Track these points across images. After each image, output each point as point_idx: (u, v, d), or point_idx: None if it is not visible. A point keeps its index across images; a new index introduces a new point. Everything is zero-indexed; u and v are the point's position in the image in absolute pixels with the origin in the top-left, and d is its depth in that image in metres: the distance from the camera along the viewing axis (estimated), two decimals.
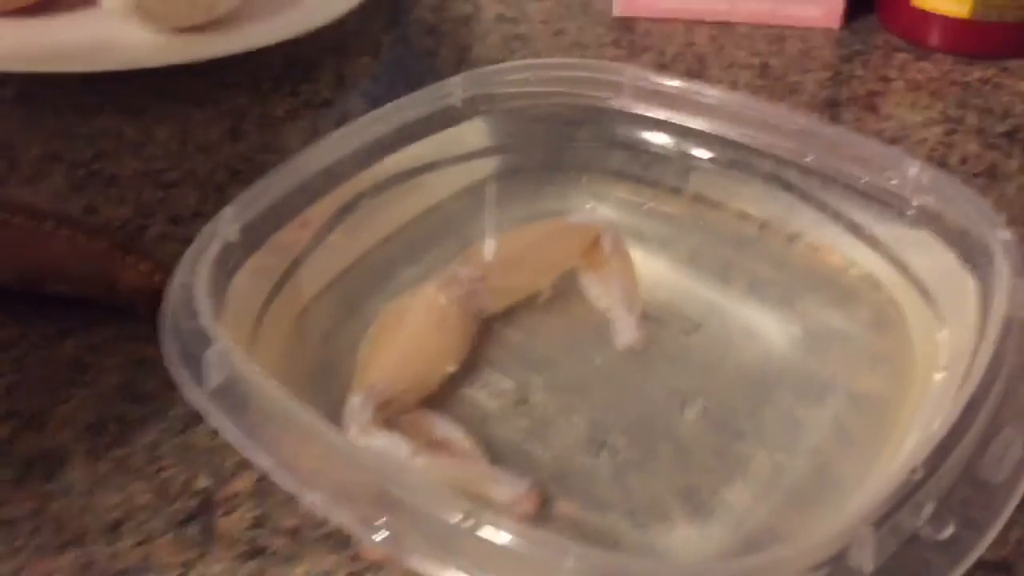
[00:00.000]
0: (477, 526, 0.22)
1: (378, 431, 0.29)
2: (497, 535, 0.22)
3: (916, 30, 0.55)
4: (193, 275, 0.28)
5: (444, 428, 0.30)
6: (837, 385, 0.31)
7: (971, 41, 0.54)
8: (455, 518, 0.22)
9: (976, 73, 0.53)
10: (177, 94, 0.51)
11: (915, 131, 0.48)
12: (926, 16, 0.54)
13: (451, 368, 0.32)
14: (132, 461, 0.32)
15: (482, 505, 0.27)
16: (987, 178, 0.44)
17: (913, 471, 0.23)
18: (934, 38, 0.55)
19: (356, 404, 0.29)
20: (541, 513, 0.28)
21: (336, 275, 0.34)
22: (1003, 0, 0.52)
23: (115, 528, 0.30)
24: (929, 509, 0.23)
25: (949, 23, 0.54)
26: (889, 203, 0.33)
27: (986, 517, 0.23)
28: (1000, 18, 0.53)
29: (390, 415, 0.30)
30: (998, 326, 0.27)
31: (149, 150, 0.47)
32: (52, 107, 0.51)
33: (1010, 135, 0.47)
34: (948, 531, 0.23)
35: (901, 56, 0.55)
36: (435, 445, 0.29)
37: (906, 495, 0.23)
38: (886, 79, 0.53)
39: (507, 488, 0.28)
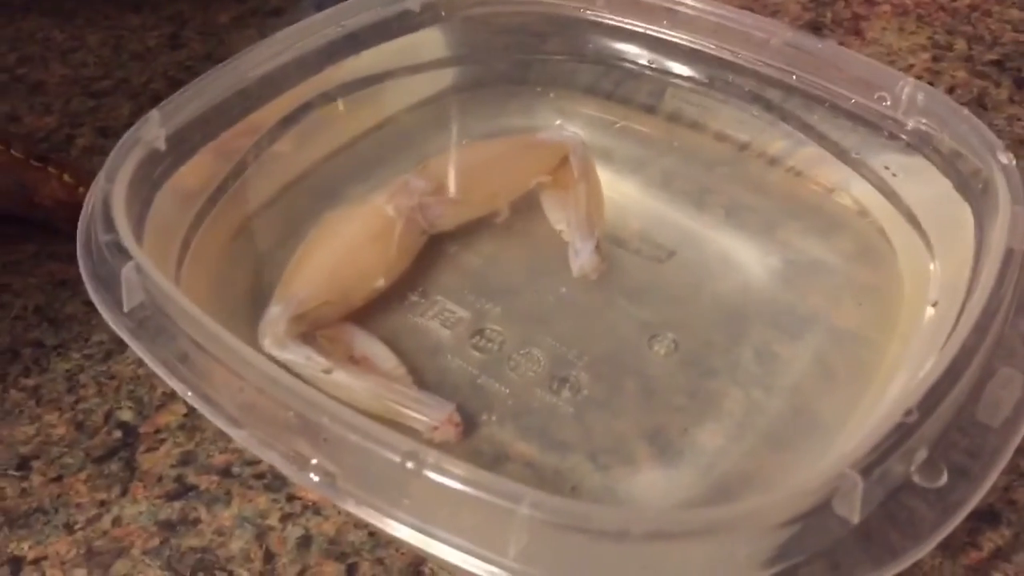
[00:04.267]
0: (422, 468, 0.19)
1: (293, 343, 0.26)
2: (444, 478, 0.19)
3: None
4: (112, 184, 0.25)
5: (366, 344, 0.27)
6: (818, 319, 0.29)
7: None
8: (397, 458, 0.19)
9: None
10: None
11: (901, 57, 0.45)
12: None
13: (380, 284, 0.29)
14: (48, 390, 0.29)
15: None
16: (976, 107, 0.42)
17: (907, 413, 0.21)
18: None
19: (272, 314, 0.27)
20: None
21: (276, 192, 0.31)
22: None
23: (26, 463, 0.27)
24: (922, 455, 0.21)
25: None
26: (879, 125, 0.31)
27: (981, 465, 0.21)
28: None
29: (308, 329, 0.27)
30: (997, 258, 0.25)
31: (79, 56, 0.43)
32: None
33: (999, 64, 0.45)
34: (942, 480, 0.21)
35: None
36: (356, 361, 0.27)
37: (898, 440, 0.21)
38: (872, 2, 0.50)
39: (429, 412, 0.25)
